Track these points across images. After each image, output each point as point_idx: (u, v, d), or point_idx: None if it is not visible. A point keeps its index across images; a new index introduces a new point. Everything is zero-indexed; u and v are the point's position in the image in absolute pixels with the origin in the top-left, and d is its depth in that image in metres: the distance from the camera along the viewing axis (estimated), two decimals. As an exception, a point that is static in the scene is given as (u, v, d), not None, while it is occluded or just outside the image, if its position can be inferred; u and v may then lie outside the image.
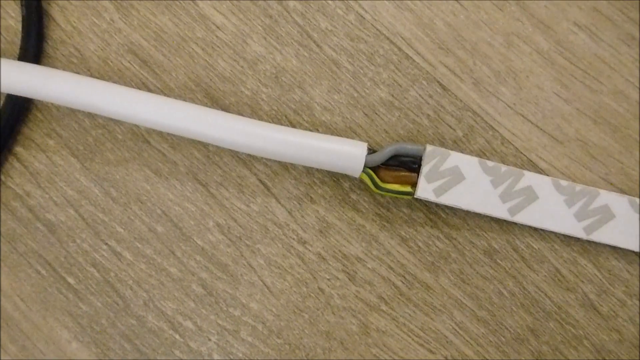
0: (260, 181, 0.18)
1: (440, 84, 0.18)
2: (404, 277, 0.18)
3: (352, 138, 0.18)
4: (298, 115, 0.18)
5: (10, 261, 0.18)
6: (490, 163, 0.17)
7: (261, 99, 0.18)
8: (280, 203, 0.18)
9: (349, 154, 0.16)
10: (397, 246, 0.18)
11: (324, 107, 0.18)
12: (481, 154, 0.18)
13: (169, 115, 0.16)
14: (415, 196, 0.16)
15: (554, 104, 0.18)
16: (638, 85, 0.18)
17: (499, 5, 0.19)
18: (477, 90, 0.18)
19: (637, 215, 0.17)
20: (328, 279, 0.18)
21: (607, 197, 0.17)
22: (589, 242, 0.18)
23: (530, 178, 0.17)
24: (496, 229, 0.18)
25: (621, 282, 0.18)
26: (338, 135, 0.18)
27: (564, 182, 0.17)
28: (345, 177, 0.18)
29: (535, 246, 0.18)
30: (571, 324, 0.17)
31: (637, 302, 0.18)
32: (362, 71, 0.18)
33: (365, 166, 0.16)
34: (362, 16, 0.18)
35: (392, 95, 0.18)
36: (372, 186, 0.16)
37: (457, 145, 0.18)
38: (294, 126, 0.18)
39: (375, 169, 0.16)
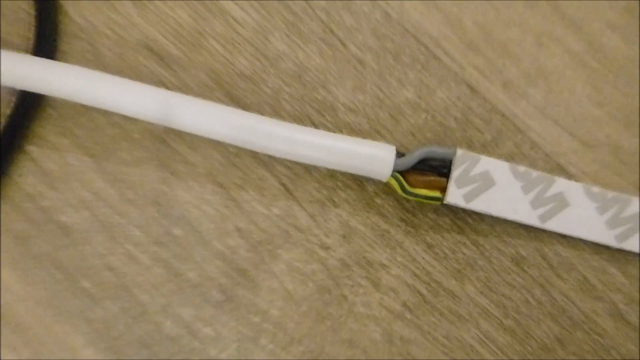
0: (282, 184, 0.17)
1: (469, 86, 0.17)
2: (429, 285, 0.17)
3: (378, 140, 0.17)
4: (321, 116, 0.17)
5: (23, 264, 0.17)
6: (521, 168, 0.16)
7: (283, 99, 0.17)
8: (302, 207, 0.17)
9: (377, 158, 0.15)
10: (423, 252, 0.17)
11: (348, 107, 0.17)
12: (510, 158, 0.17)
13: (187, 113, 0.15)
14: (445, 202, 0.16)
15: (584, 108, 0.17)
16: (672, 89, 0.17)
17: (530, 5, 0.17)
18: (506, 93, 0.17)
19: None
20: (351, 286, 0.17)
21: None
22: (619, 250, 0.17)
23: (561, 184, 0.16)
24: (524, 235, 0.17)
25: (650, 291, 0.17)
26: (363, 137, 0.17)
27: (595, 189, 0.16)
28: (370, 180, 0.17)
29: (563, 254, 0.17)
30: (599, 334, 0.17)
31: (666, 312, 0.17)
32: (388, 71, 0.17)
33: (394, 170, 0.15)
34: (388, 14, 0.17)
35: (419, 97, 0.17)
36: (400, 191, 0.15)
37: (485, 149, 0.17)
38: (317, 127, 0.17)
39: (403, 173, 0.15)
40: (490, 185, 0.15)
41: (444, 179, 0.15)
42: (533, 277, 0.17)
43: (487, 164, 0.15)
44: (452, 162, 0.15)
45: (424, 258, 0.17)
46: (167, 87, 0.17)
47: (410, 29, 0.17)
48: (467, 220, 0.17)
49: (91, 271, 0.17)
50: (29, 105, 0.17)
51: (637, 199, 0.16)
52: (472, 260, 0.17)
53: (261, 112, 0.17)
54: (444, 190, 0.15)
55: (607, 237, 0.16)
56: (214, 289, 0.17)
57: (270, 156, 0.17)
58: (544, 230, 0.17)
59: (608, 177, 0.17)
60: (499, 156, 0.17)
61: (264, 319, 0.17)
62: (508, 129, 0.17)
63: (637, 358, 0.16)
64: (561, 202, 0.16)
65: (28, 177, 0.17)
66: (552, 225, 0.16)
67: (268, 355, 0.16)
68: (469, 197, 0.15)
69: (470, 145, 0.17)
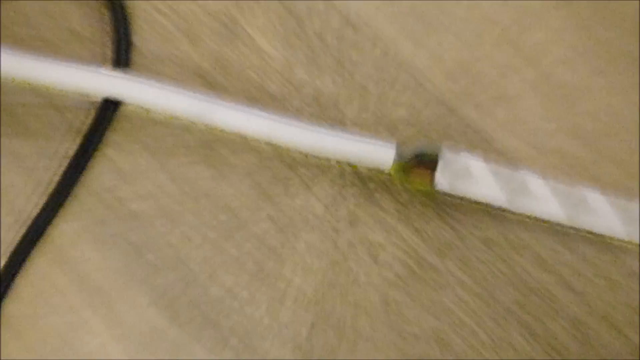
0: (303, 181, 0.22)
1: (448, 106, 0.22)
2: (417, 260, 0.21)
3: (377, 148, 0.22)
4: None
5: (102, 241, 0.22)
6: (492, 164, 0.20)
7: (304, 115, 0.22)
8: (318, 199, 0.22)
9: (383, 149, 0.19)
10: (412, 235, 0.21)
11: (354, 122, 0.22)
12: (480, 162, 0.22)
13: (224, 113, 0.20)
14: (435, 188, 0.20)
15: (538, 124, 0.22)
16: (606, 109, 0.22)
17: (495, 44, 0.22)
18: (476, 112, 0.22)
19: (610, 208, 0.20)
20: (356, 260, 0.21)
21: (587, 193, 0.20)
22: (566, 233, 0.21)
23: (524, 175, 0.20)
24: (491, 222, 0.21)
25: (591, 265, 0.21)
26: (366, 146, 0.22)
27: (552, 180, 0.20)
28: (371, 179, 0.22)
29: (522, 236, 0.21)
30: (550, 299, 0.21)
31: (604, 282, 0.21)
32: (385, 95, 0.22)
33: (396, 160, 0.19)
34: (385, 51, 0.22)
35: (409, 115, 0.22)
36: (399, 179, 0.20)
37: (461, 155, 0.22)
38: (329, 137, 0.22)
39: (401, 165, 0.20)
40: (469, 175, 0.20)
41: (434, 172, 0.20)
42: (498, 254, 0.21)
43: (467, 159, 0.20)
44: (440, 156, 0.20)
45: (412, 239, 0.21)
46: (214, 106, 0.22)
47: (402, 63, 0.22)
48: (447, 210, 0.21)
49: (154, 247, 0.22)
50: (106, 116, 0.22)
51: (585, 188, 0.20)
52: (450, 241, 0.21)
53: (287, 125, 0.22)
54: (432, 179, 0.20)
55: (560, 216, 0.20)
56: (250, 262, 0.21)
57: (294, 159, 0.22)
58: (506, 218, 0.21)
59: (559, 177, 0.22)
60: (472, 161, 0.22)
61: (288, 285, 0.21)
62: (478, 140, 0.22)
63: (582, 319, 0.21)
64: (525, 189, 0.20)
65: (107, 174, 0.22)
66: (518, 206, 0.20)
67: (292, 313, 0.21)
68: (452, 184, 0.20)
69: (448, 152, 0.22)
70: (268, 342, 0.21)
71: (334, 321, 0.21)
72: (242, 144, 0.22)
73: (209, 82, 0.22)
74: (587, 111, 0.22)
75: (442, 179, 0.19)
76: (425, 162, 0.20)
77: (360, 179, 0.22)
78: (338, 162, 0.22)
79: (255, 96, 0.22)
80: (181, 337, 0.21)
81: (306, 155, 0.22)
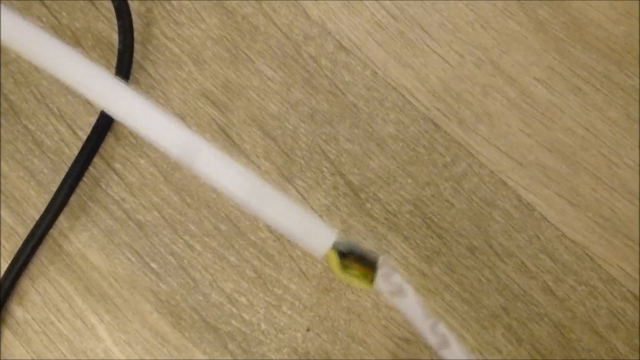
0: (299, 193, 0.23)
1: (433, 122, 0.23)
2: (406, 267, 0.22)
3: (369, 163, 0.23)
4: (327, 145, 0.23)
5: (108, 250, 0.23)
6: (420, 298, 0.15)
7: (300, 132, 0.24)
8: (313, 209, 0.23)
9: (322, 233, 0.15)
10: (401, 243, 0.23)
11: (347, 138, 0.24)
12: (464, 174, 0.23)
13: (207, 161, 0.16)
14: (375, 288, 0.16)
15: (518, 138, 0.23)
16: (582, 124, 0.23)
17: (477, 64, 0.24)
18: (461, 128, 0.23)
19: None
20: (349, 267, 0.22)
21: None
22: (549, 240, 0.22)
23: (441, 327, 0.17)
24: (475, 230, 0.23)
25: (572, 272, 0.22)
26: (358, 158, 0.23)
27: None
28: (362, 190, 0.23)
29: (505, 244, 0.22)
30: (534, 304, 0.22)
31: (585, 289, 0.22)
32: (375, 112, 0.24)
33: (332, 248, 0.15)
34: (375, 72, 0.24)
35: (397, 131, 0.23)
36: (336, 268, 0.16)
37: (446, 168, 0.23)
38: (325, 153, 0.23)
39: (339, 255, 0.15)
40: (403, 294, 0.15)
41: (373, 271, 0.16)
42: (483, 262, 0.22)
43: (399, 278, 0.16)
44: (378, 264, 0.16)
45: (402, 247, 0.22)
46: (218, 125, 0.24)
47: (391, 82, 0.24)
48: (433, 219, 0.23)
49: (158, 256, 0.23)
50: (104, 126, 0.23)
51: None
52: (438, 249, 0.22)
53: (285, 141, 0.23)
54: (372, 279, 0.16)
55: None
56: (248, 269, 0.22)
57: (291, 172, 0.23)
58: (490, 226, 0.22)
59: (538, 188, 0.23)
60: (457, 173, 0.23)
61: (284, 292, 0.22)
62: (462, 153, 0.23)
63: (564, 324, 0.22)
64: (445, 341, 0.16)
65: (114, 186, 0.23)
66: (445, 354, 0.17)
67: (287, 319, 0.22)
68: (391, 294, 0.15)
69: (434, 164, 0.23)
70: (265, 346, 0.22)
71: (328, 326, 0.22)
72: (241, 158, 0.23)
73: (212, 101, 0.24)
74: (565, 127, 0.23)
75: (381, 285, 0.16)
76: (365, 261, 0.16)
77: (352, 189, 0.23)
78: (331, 173, 0.23)
79: (256, 115, 0.24)
80: (182, 342, 0.22)
81: (302, 169, 0.23)
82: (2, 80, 0.24)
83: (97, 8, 0.24)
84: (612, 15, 0.24)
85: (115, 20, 0.24)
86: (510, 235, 0.22)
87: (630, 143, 0.23)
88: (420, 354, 0.21)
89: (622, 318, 0.22)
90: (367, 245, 0.22)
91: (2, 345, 0.22)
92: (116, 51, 0.24)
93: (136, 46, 0.24)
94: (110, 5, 0.24)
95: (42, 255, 0.23)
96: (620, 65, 0.24)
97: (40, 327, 0.22)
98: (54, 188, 0.23)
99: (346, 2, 0.25)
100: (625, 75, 0.24)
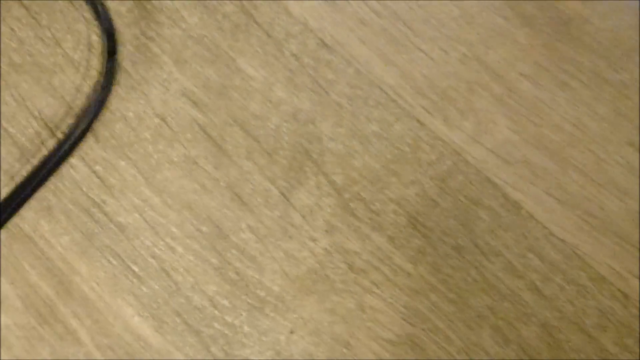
0: (282, 193, 0.23)
1: (418, 120, 0.23)
2: (391, 267, 0.22)
3: (352, 162, 0.23)
4: (310, 143, 0.23)
5: (89, 254, 0.22)
6: None
7: (283, 132, 0.23)
8: (296, 210, 0.22)
9: None
10: (386, 243, 0.22)
11: (330, 137, 0.23)
12: (449, 173, 0.23)
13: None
14: None
15: (505, 135, 0.23)
16: (570, 120, 0.23)
17: (462, 60, 0.23)
18: (446, 125, 0.23)
19: None
20: (332, 268, 0.22)
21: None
22: (536, 238, 0.22)
23: None
24: (461, 229, 0.22)
25: (560, 271, 0.22)
26: (340, 158, 0.23)
27: None
28: (346, 190, 0.23)
29: (492, 243, 0.22)
30: (521, 304, 0.21)
31: (574, 288, 0.22)
32: (359, 110, 0.23)
33: None
34: (358, 70, 0.23)
35: (381, 129, 0.23)
36: None
37: (431, 167, 0.23)
38: (308, 153, 0.23)
39: None
40: None
41: None
42: (469, 261, 0.22)
43: None
44: None
45: (386, 247, 0.22)
46: (199, 125, 0.23)
47: (374, 80, 0.23)
48: (418, 219, 0.22)
49: (139, 259, 0.22)
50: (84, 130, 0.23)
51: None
52: (422, 248, 0.22)
53: (267, 141, 0.23)
54: None
55: None
56: (230, 271, 0.22)
57: (273, 173, 0.23)
58: (476, 225, 0.22)
59: (525, 186, 0.22)
60: (442, 172, 0.22)
61: (267, 294, 0.22)
62: (448, 151, 0.23)
63: (553, 324, 0.21)
64: None
65: (95, 189, 0.23)
66: None
67: (271, 321, 0.21)
68: None
69: (419, 163, 0.22)
70: (248, 349, 0.21)
71: (311, 328, 0.21)
72: (223, 159, 0.22)
73: (193, 101, 0.23)
74: (552, 123, 0.23)
75: None
76: None
77: (335, 189, 0.22)
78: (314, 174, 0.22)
79: (237, 114, 0.23)
80: (164, 345, 0.21)
81: (284, 169, 0.23)
82: (-18, 83, 0.24)
83: (76, 9, 0.24)
84: (599, 9, 0.24)
85: (95, 22, 0.24)
86: (496, 234, 0.22)
87: (618, 139, 0.23)
88: (405, 355, 0.21)
89: (612, 317, 0.21)
90: (352, 245, 0.22)
91: (-18, 350, 0.22)
92: (96, 52, 0.23)
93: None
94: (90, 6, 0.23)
95: (23, 259, 0.22)
96: (608, 60, 0.24)
97: (21, 332, 0.22)
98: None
99: (329, -1, 0.24)
100: (613, 70, 0.23)
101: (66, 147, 0.22)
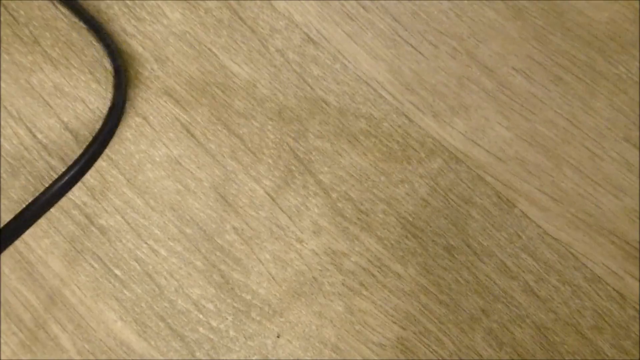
0: (267, 194, 0.22)
1: (407, 117, 0.22)
2: (380, 268, 0.21)
3: (340, 160, 0.22)
4: (296, 142, 0.22)
5: (70, 257, 0.22)
6: None
7: (268, 130, 0.22)
8: (282, 210, 0.22)
9: None
10: (375, 244, 0.21)
11: (316, 135, 0.22)
12: (440, 171, 0.22)
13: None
14: None
15: (497, 131, 0.22)
16: (564, 115, 0.22)
17: (452, 55, 0.23)
18: (436, 122, 0.22)
19: None
20: (320, 270, 0.21)
21: None
22: (529, 238, 0.21)
23: None
24: (452, 229, 0.21)
25: (555, 272, 0.21)
26: (326, 156, 0.22)
27: None
28: (333, 189, 0.22)
29: (484, 243, 0.21)
30: (515, 306, 0.21)
31: (569, 288, 0.21)
32: (346, 107, 0.22)
33: None
34: (345, 65, 0.23)
35: (369, 126, 0.22)
36: None
37: (421, 164, 0.22)
38: (293, 151, 0.22)
39: None
40: None
41: None
42: (461, 262, 0.21)
43: None
44: None
45: (375, 248, 0.21)
46: (181, 124, 0.22)
47: (362, 76, 0.22)
48: (408, 219, 0.21)
49: (122, 262, 0.22)
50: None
51: None
52: (413, 249, 0.21)
53: (251, 139, 0.22)
54: None
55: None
56: (215, 274, 0.21)
57: (258, 172, 0.22)
58: (468, 225, 0.21)
59: (518, 183, 0.22)
60: (431, 170, 0.22)
61: (253, 297, 0.21)
62: (438, 148, 0.22)
63: (547, 326, 0.20)
64: None
65: (75, 190, 0.22)
66: None
67: (257, 325, 0.21)
68: None
69: (409, 161, 0.22)
70: (234, 354, 0.21)
71: (299, 332, 0.21)
72: (206, 158, 0.22)
73: (175, 99, 0.23)
74: (546, 119, 0.22)
75: None
76: None
77: (322, 189, 0.22)
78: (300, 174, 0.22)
79: (221, 112, 0.22)
80: (148, 350, 0.21)
81: (270, 168, 0.22)
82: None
83: (55, 6, 0.23)
84: (594, 1, 0.23)
85: (73, 19, 0.23)
86: (489, 233, 0.21)
87: (614, 135, 0.22)
88: (395, 359, 0.20)
89: (608, 319, 0.20)
90: (340, 246, 0.21)
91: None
92: (75, 50, 0.23)
93: (95, 44, 0.23)
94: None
95: (3, 264, 0.21)
96: (603, 53, 0.23)
97: (2, 338, 0.21)
98: (12, 193, 0.22)
99: (315, -7, 0.23)
100: (609, 63, 0.23)
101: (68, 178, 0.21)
